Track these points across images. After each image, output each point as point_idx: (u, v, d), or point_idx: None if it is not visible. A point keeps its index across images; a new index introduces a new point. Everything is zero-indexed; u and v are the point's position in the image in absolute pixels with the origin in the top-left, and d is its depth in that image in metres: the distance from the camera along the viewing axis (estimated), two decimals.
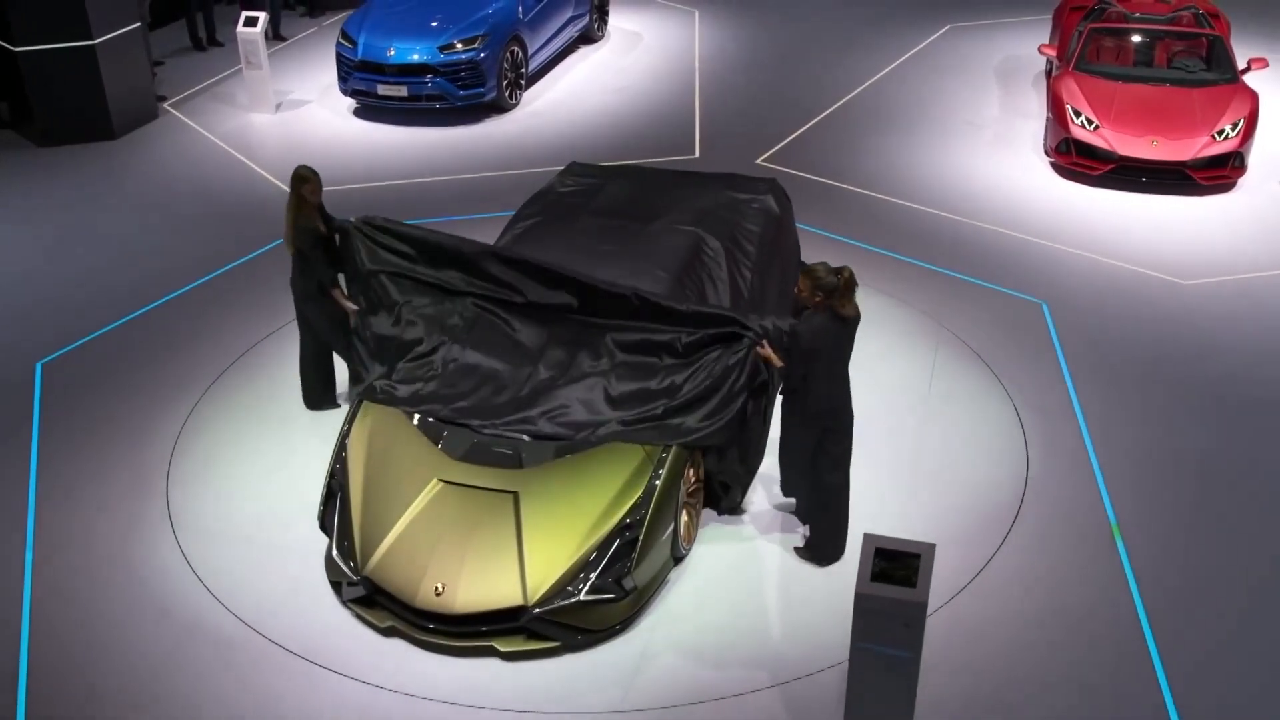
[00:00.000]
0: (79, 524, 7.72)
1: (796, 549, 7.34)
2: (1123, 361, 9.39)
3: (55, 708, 6.45)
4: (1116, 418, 8.71)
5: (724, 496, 7.58)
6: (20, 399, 8.99)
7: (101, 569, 7.35)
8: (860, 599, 5.49)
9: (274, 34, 16.55)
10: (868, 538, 5.65)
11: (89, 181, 12.75)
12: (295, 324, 8.68)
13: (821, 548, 7.27)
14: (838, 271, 6.73)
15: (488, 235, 10.30)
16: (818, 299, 6.74)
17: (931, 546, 5.54)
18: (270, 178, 12.73)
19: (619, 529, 6.72)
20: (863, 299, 8.20)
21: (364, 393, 7.53)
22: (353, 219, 8.11)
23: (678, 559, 7.21)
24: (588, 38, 16.63)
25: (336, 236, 8.16)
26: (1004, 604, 7.03)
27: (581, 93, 15.09)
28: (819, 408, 6.91)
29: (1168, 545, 7.53)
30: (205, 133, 13.93)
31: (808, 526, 7.42)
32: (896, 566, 5.50)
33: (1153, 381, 9.14)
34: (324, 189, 8.18)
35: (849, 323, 6.86)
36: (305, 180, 8.02)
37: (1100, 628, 6.89)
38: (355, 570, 6.78)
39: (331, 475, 7.18)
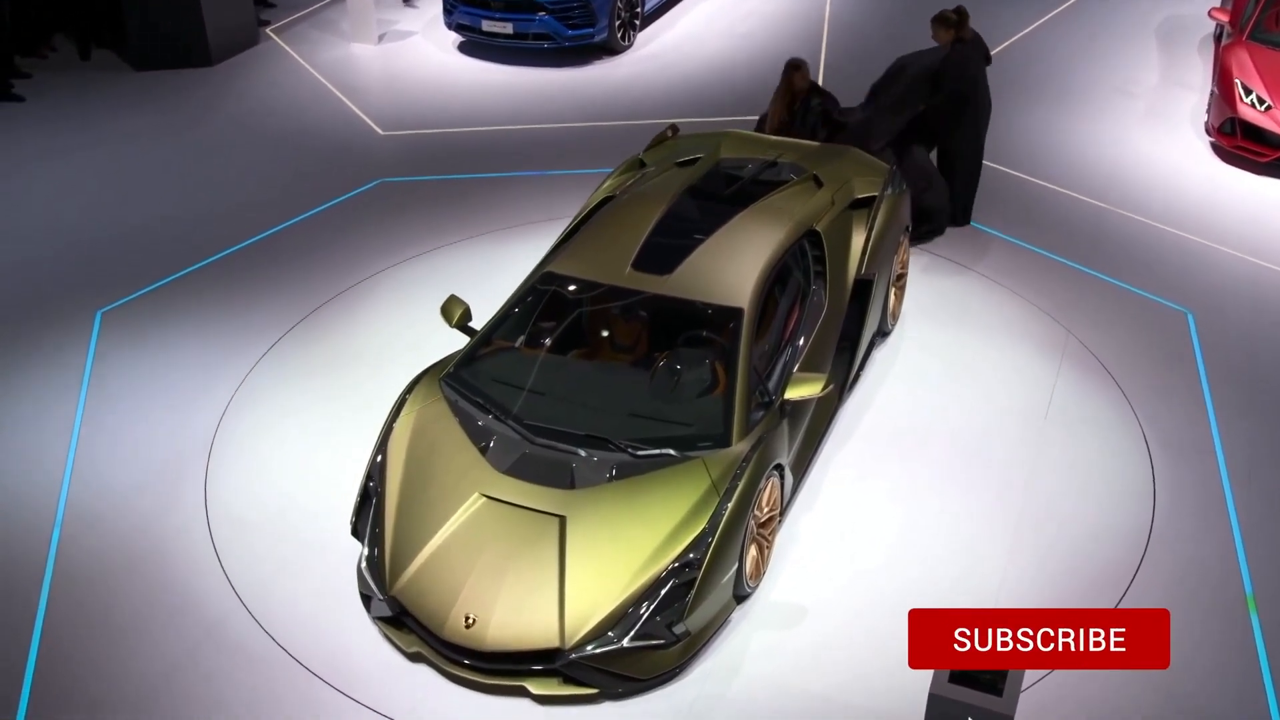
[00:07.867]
0: (112, 502, 7.24)
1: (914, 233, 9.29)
2: (1277, 391, 8.25)
3: (61, 699, 6.02)
4: (1265, 460, 7.62)
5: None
6: (74, 352, 8.54)
7: (129, 554, 6.87)
8: (935, 702, 4.67)
9: None
10: None
11: (177, 111, 12.30)
12: (366, 284, 9.30)
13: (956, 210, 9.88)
14: (956, 10, 9.26)
15: (579, 194, 9.58)
16: (948, 33, 9.27)
17: None
18: (363, 116, 12.11)
19: (676, 566, 5.99)
20: (983, 292, 9.25)
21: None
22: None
23: (741, 598, 6.45)
24: None
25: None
26: (1110, 685, 6.11)
27: (701, 36, 14.13)
28: (974, 110, 9.55)
29: None
30: (304, 63, 13.37)
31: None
32: None
33: None
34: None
35: (972, 42, 9.35)
36: (797, 68, 9.68)
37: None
38: (383, 587, 6.18)
39: (369, 477, 6.56)
